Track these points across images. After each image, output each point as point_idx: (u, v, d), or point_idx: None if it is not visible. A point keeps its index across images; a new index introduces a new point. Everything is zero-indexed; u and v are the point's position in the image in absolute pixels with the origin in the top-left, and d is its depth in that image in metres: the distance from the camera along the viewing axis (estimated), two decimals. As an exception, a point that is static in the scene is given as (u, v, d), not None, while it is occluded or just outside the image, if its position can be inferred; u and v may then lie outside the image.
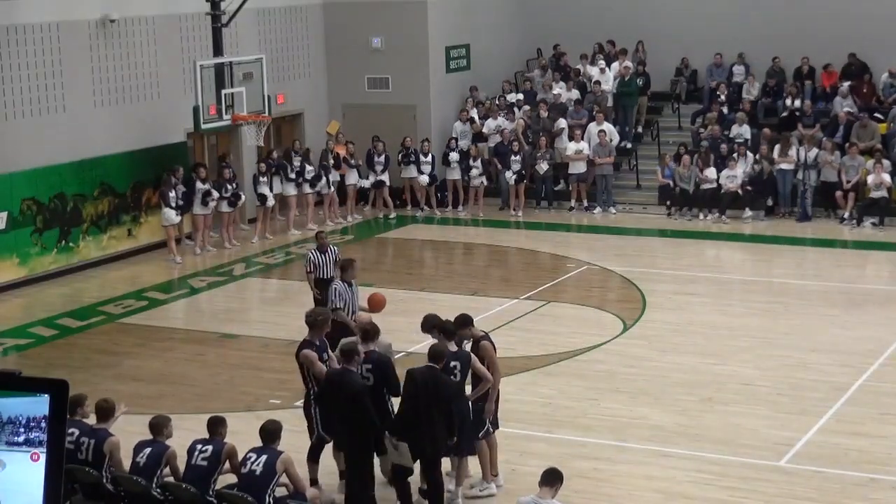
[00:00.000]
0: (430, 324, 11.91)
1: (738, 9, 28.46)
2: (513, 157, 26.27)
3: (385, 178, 26.41)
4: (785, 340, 17.03)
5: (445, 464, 12.00)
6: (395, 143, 26.48)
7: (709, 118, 26.79)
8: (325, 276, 16.50)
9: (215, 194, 23.24)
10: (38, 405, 4.01)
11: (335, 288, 14.32)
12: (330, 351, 11.97)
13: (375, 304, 14.11)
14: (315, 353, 11.82)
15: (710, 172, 24.97)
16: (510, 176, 26.21)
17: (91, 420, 11.13)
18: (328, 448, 12.08)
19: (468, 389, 11.75)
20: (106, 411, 10.99)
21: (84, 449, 10.72)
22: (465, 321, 11.95)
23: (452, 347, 11.57)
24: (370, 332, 11.67)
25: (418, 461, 11.34)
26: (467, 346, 11.88)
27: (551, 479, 9.52)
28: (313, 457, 12.00)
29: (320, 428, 11.86)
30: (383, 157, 26.41)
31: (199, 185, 23.07)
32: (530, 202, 26.66)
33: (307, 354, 11.83)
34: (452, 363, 11.42)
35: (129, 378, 16.24)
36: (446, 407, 10.99)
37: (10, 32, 21.18)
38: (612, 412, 14.31)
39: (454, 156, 26.45)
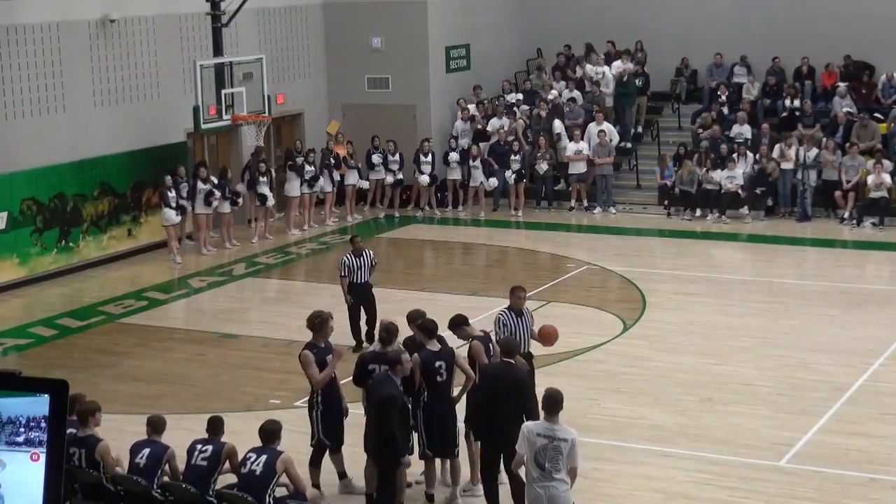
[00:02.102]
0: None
1: (738, 9, 28.46)
2: (513, 157, 26.28)
3: (401, 176, 26.52)
4: (785, 340, 17.03)
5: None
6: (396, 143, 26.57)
7: (704, 118, 26.78)
8: (359, 281, 16.62)
9: (217, 194, 23.25)
10: (38, 405, 4.01)
11: (499, 318, 12.79)
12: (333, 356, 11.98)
13: (546, 338, 12.96)
14: (314, 355, 11.83)
15: (717, 175, 24.94)
16: (509, 175, 26.22)
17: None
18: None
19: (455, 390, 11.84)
20: (85, 414, 10.76)
21: (76, 459, 10.67)
22: (461, 321, 12.22)
23: (434, 346, 11.63)
24: (387, 336, 11.73)
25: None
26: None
27: (555, 405, 9.89)
28: (315, 462, 12.01)
29: (321, 433, 11.88)
30: (398, 155, 26.46)
31: (200, 185, 23.07)
32: (530, 202, 26.66)
33: (304, 355, 11.87)
34: (437, 363, 11.50)
35: (129, 378, 16.24)
36: (522, 402, 11.01)
37: (10, 32, 21.18)
38: (612, 412, 14.31)
39: (454, 156, 26.46)
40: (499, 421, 10.91)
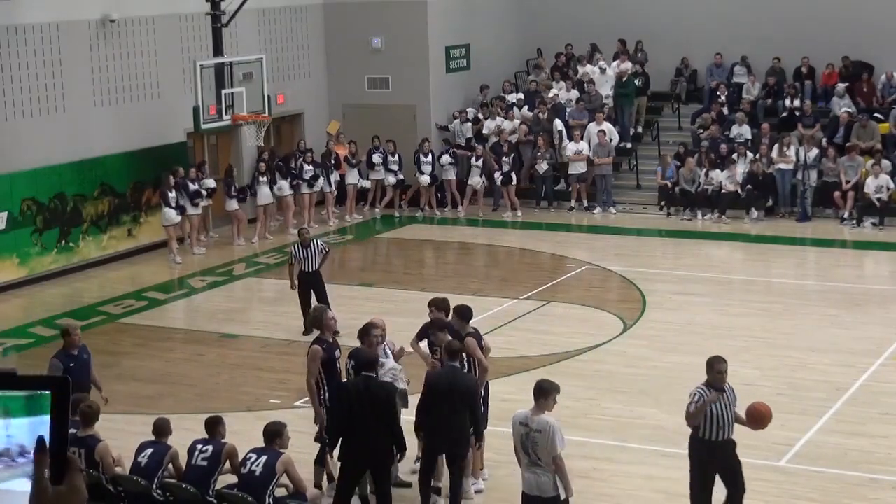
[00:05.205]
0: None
1: (738, 9, 28.43)
2: (504, 159, 26.17)
3: (402, 176, 26.52)
4: (785, 340, 17.03)
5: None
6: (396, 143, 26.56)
7: (703, 118, 26.77)
8: (309, 269, 17.42)
9: (205, 194, 23.25)
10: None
11: (696, 392, 10.85)
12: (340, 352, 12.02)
13: (756, 420, 11.18)
14: (323, 351, 11.78)
15: (717, 174, 24.94)
16: (497, 177, 26.10)
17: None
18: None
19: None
20: (90, 416, 10.73)
21: None
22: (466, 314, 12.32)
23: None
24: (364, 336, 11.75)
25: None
26: None
27: (538, 394, 10.10)
28: (320, 460, 11.97)
29: (324, 429, 11.84)
30: (397, 156, 26.45)
31: (191, 186, 23.02)
32: (530, 202, 26.63)
33: (313, 349, 11.81)
34: None
35: (129, 378, 16.23)
36: (386, 421, 10.90)
37: (10, 32, 21.17)
38: (612, 412, 14.30)
39: (445, 158, 26.39)
40: (359, 435, 10.79)
